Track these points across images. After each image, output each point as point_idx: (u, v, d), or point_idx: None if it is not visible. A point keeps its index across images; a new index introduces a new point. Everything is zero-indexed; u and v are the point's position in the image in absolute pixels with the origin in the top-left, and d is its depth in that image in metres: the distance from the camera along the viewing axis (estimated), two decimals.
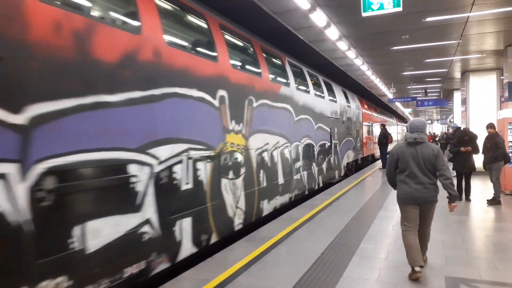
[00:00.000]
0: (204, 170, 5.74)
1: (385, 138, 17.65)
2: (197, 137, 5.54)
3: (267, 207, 8.09)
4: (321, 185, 12.32)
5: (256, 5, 8.20)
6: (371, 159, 23.90)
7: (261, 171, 7.82)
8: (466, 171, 9.30)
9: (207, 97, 5.84)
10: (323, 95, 12.75)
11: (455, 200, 4.59)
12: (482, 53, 13.63)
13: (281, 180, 8.90)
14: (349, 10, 8.78)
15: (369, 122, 22.29)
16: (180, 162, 5.15)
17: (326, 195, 10.50)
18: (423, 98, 25.07)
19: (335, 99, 14.26)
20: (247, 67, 7.90)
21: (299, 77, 10.89)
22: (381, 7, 7.74)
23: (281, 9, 8.58)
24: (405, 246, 4.61)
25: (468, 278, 4.50)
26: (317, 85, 12.44)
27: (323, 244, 5.91)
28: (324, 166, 12.62)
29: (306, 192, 10.75)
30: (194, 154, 5.46)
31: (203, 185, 5.69)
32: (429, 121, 58.75)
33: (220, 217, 6.20)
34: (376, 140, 22.32)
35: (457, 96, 23.48)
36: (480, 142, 9.29)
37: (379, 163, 20.30)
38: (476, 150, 9.15)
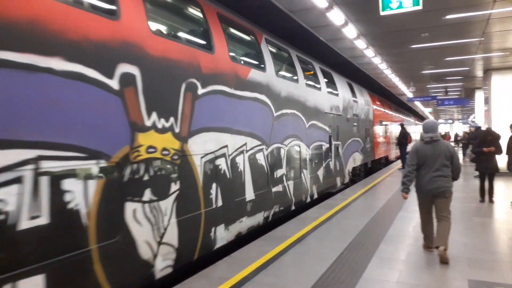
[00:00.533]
0: (82, 192, 3.56)
1: (404, 138, 17.35)
2: (59, 138, 3.36)
3: (223, 235, 5.86)
4: (316, 196, 10.06)
5: (272, 3, 8.18)
6: (385, 162, 21.54)
7: (213, 185, 5.60)
8: (489, 172, 9.08)
9: (90, 73, 3.67)
10: (319, 86, 10.51)
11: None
12: (505, 51, 13.27)
13: (250, 195, 6.66)
14: (367, 8, 8.67)
15: (382, 121, 20.31)
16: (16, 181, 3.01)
17: (345, 196, 10.39)
18: (444, 97, 24.59)
19: (336, 92, 11.94)
20: (186, 35, 5.73)
21: (284, 61, 8.97)
22: (400, 5, 7.62)
23: (297, 7, 8.54)
24: (421, 230, 5.67)
25: (492, 281, 4.39)
26: (311, 74, 10.36)
27: (342, 245, 5.85)
28: (320, 173, 10.41)
29: (293, 207, 8.60)
30: (53, 166, 3.30)
31: (77, 218, 3.51)
32: (450, 121, 57.62)
33: (125, 263, 4.01)
34: (392, 140, 21.40)
35: (479, 95, 22.94)
36: (503, 142, 9.05)
37: (396, 164, 20.03)
38: (499, 151, 8.93)
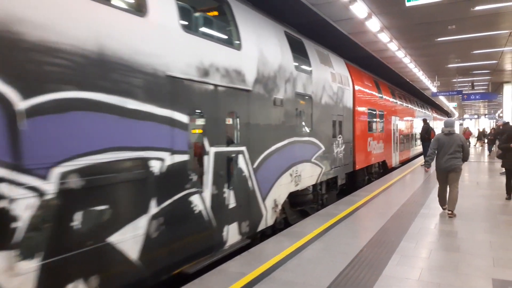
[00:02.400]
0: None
1: (427, 133, 16.61)
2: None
3: None
4: None
5: None
6: (380, 170, 15.42)
7: None
8: None
9: None
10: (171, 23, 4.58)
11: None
12: None
13: None
14: (392, 0, 8.49)
15: (374, 110, 14.07)
16: None
17: (365, 192, 10.26)
18: (470, 92, 23.91)
19: (233, 42, 5.98)
20: None
21: None
22: None
23: (319, 0, 8.42)
24: (438, 196, 7.70)
25: None
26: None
27: (362, 242, 5.77)
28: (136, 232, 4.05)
29: None
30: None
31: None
32: (476, 116, 56.13)
33: None
34: (395, 139, 17.44)
35: (507, 89, 22.24)
36: None
37: (409, 165, 19.53)
38: None
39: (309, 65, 8.55)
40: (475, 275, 4.45)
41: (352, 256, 5.12)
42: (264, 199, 6.49)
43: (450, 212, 7.20)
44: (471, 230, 6.32)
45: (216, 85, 5.22)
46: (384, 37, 11.31)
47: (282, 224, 7.49)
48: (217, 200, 5.22)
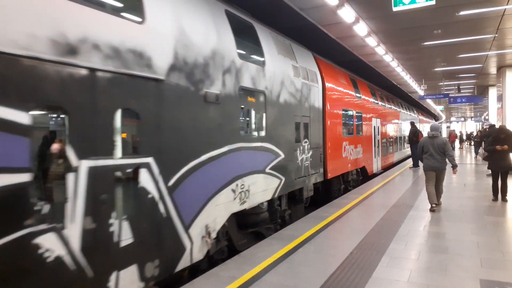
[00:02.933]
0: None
1: (415, 136, 16.75)
2: None
3: None
4: None
5: (282, 1, 8.14)
6: (358, 178, 13.72)
7: None
8: (502, 170, 8.93)
9: None
10: None
11: (456, 168, 8.12)
12: None
13: None
14: (379, 5, 8.60)
15: (351, 111, 12.80)
16: None
17: (354, 194, 10.33)
18: (456, 95, 24.27)
19: (140, 18, 4.32)
20: None
21: None
22: (413, 1, 7.54)
23: (307, 5, 8.49)
24: (427, 193, 8.18)
25: (505, 281, 4.32)
26: None
27: (352, 244, 5.81)
28: None
29: None
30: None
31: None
32: (462, 119, 56.92)
33: None
34: (376, 141, 16.28)
35: (492, 92, 22.61)
36: None
37: (398, 167, 19.70)
38: None
39: (262, 55, 6.97)
40: (463, 276, 4.51)
41: (342, 258, 5.15)
42: (187, 227, 4.79)
43: (439, 203, 8.31)
44: (459, 231, 6.41)
45: (93, 69, 3.59)
46: (372, 41, 11.45)
47: (225, 253, 5.98)
48: (95, 238, 3.57)
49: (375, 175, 15.45)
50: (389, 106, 19.87)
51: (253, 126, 6.97)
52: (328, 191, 10.92)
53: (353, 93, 12.94)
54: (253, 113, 6.92)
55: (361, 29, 10.13)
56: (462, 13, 9.26)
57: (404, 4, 7.60)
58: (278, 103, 7.39)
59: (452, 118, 61.73)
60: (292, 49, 8.51)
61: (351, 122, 12.82)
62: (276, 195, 7.26)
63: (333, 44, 11.99)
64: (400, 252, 5.42)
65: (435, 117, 58.88)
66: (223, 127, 5.58)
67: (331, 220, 7.36)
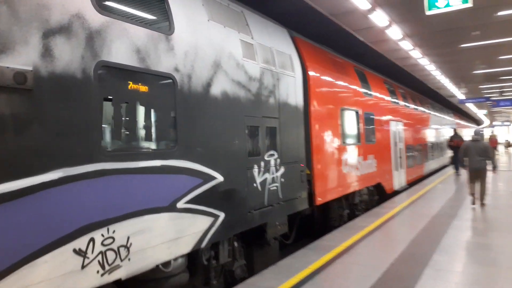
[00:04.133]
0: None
1: (452, 140, 16.88)
2: None
3: None
4: None
5: (313, 8, 8.11)
6: (374, 196, 10.87)
7: None
8: None
9: None
10: None
11: (496, 169, 9.33)
12: None
13: None
14: (412, 8, 8.40)
15: (357, 112, 9.64)
16: None
17: (393, 203, 10.01)
18: (499, 98, 23.22)
19: None
20: None
21: None
22: (448, 4, 7.29)
23: (338, 11, 8.41)
24: (469, 189, 9.21)
25: None
26: None
27: (392, 255, 5.60)
28: None
29: None
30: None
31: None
32: (507, 123, 54.47)
33: None
34: (397, 151, 12.68)
35: None
36: None
37: (438, 175, 18.98)
38: None
39: (164, 14, 4.37)
40: None
41: (382, 270, 4.96)
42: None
43: (481, 203, 9.05)
44: (506, 243, 6.03)
45: None
46: (407, 45, 11.19)
47: None
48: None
49: (396, 193, 12.21)
50: (416, 107, 16.38)
51: (143, 132, 4.11)
52: (325, 219, 8.43)
53: (359, 88, 9.91)
54: (142, 110, 4.09)
55: (395, 32, 9.92)
56: (500, 13, 8.90)
57: (438, 7, 7.36)
58: (207, 95, 4.78)
59: (496, 122, 59.09)
60: (244, 18, 5.89)
61: (357, 126, 9.61)
62: (205, 244, 4.54)
63: (364, 48, 11.81)
64: (445, 264, 5.15)
65: (476, 121, 56.55)
66: (47, 134, 3.05)
67: (370, 231, 7.14)
